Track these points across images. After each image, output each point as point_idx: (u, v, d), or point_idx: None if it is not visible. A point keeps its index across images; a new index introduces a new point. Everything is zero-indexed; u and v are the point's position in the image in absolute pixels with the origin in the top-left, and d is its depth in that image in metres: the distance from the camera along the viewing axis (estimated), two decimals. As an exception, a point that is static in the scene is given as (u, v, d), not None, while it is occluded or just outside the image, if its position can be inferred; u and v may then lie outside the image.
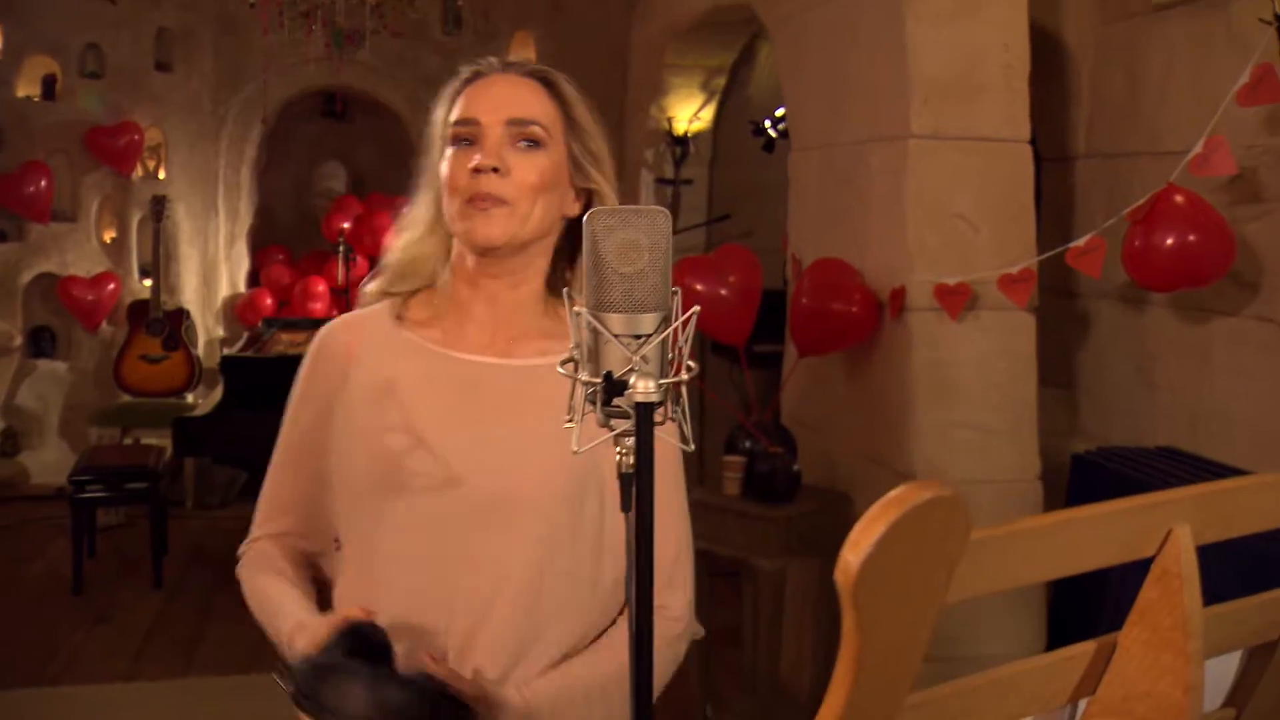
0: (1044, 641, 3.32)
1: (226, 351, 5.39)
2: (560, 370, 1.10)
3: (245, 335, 5.91)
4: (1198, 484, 0.74)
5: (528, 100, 1.42)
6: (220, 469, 5.97)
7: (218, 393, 4.90)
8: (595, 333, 1.07)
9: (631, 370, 1.04)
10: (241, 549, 1.54)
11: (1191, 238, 3.00)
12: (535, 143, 1.40)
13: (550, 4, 6.65)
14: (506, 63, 1.45)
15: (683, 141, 6.05)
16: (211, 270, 6.84)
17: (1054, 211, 4.03)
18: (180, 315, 6.22)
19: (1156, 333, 3.59)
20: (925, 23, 3.22)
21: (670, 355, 1.09)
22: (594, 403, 1.07)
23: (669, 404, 1.07)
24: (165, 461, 5.19)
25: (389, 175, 7.49)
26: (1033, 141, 3.37)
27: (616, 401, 1.04)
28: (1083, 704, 0.78)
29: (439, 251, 1.47)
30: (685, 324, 1.09)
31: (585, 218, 1.07)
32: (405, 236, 1.49)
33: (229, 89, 6.61)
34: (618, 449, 1.07)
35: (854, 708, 0.59)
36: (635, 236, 1.05)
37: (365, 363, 1.45)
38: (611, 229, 1.05)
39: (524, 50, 6.70)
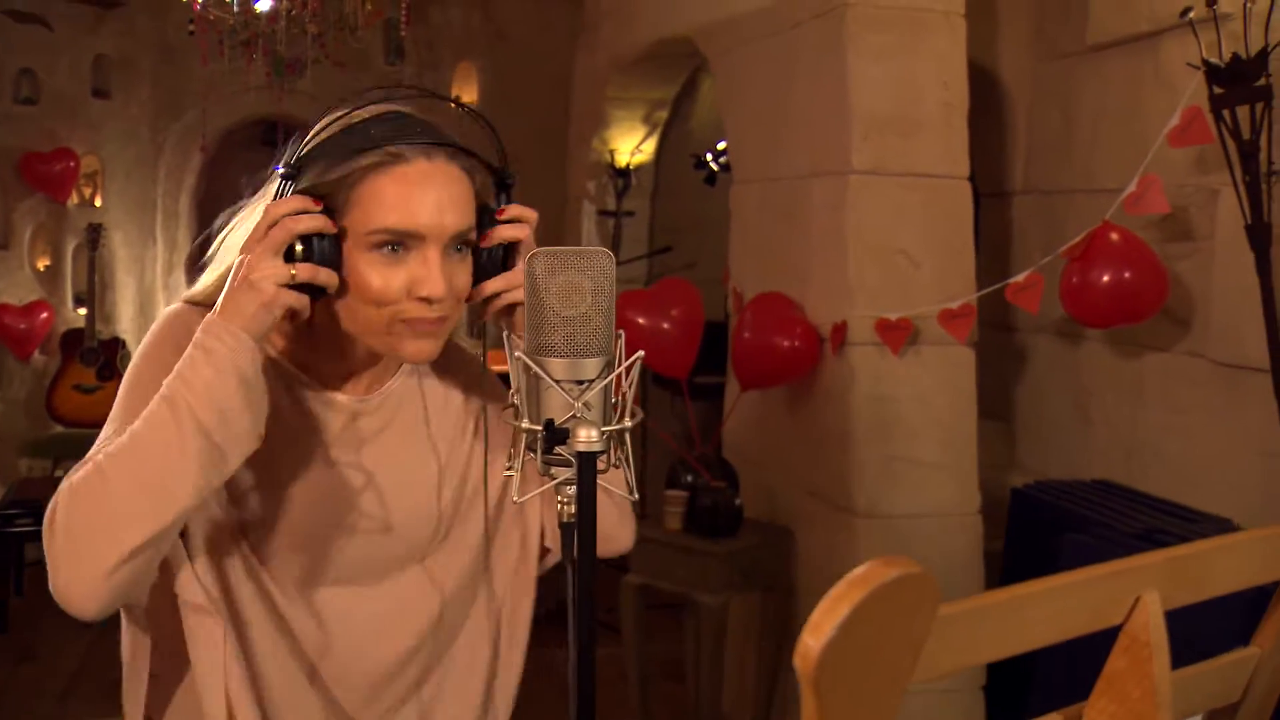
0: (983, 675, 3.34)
1: (162, 382, 5.29)
2: (503, 418, 1.09)
3: (182, 365, 5.81)
4: (1165, 549, 0.72)
5: (464, 199, 1.26)
6: (154, 502, 5.84)
7: (152, 424, 4.80)
8: (535, 378, 1.05)
9: (573, 417, 1.02)
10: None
11: (1127, 274, 3.05)
12: (467, 245, 1.28)
13: (493, 35, 6.65)
14: (429, 140, 1.24)
15: (624, 174, 6.06)
16: (149, 299, 6.73)
17: (991, 247, 4.08)
18: (116, 345, 6.11)
19: (1091, 367, 3.64)
20: (866, 59, 3.25)
21: (614, 400, 1.07)
22: (534, 450, 1.05)
23: (613, 451, 1.06)
24: (97, 494, 5.08)
25: (330, 204, 7.42)
26: (971, 178, 3.41)
27: (558, 449, 1.02)
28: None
29: None
30: (630, 368, 1.07)
31: (527, 258, 1.04)
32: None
33: (168, 117, 6.52)
34: (559, 498, 1.06)
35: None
36: (578, 279, 1.03)
37: None
38: (554, 271, 1.03)
39: (466, 81, 6.68)
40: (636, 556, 3.44)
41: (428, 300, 1.22)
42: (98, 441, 1.21)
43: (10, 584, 4.77)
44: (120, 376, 5.54)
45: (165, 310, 1.32)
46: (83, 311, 6.21)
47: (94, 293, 6.11)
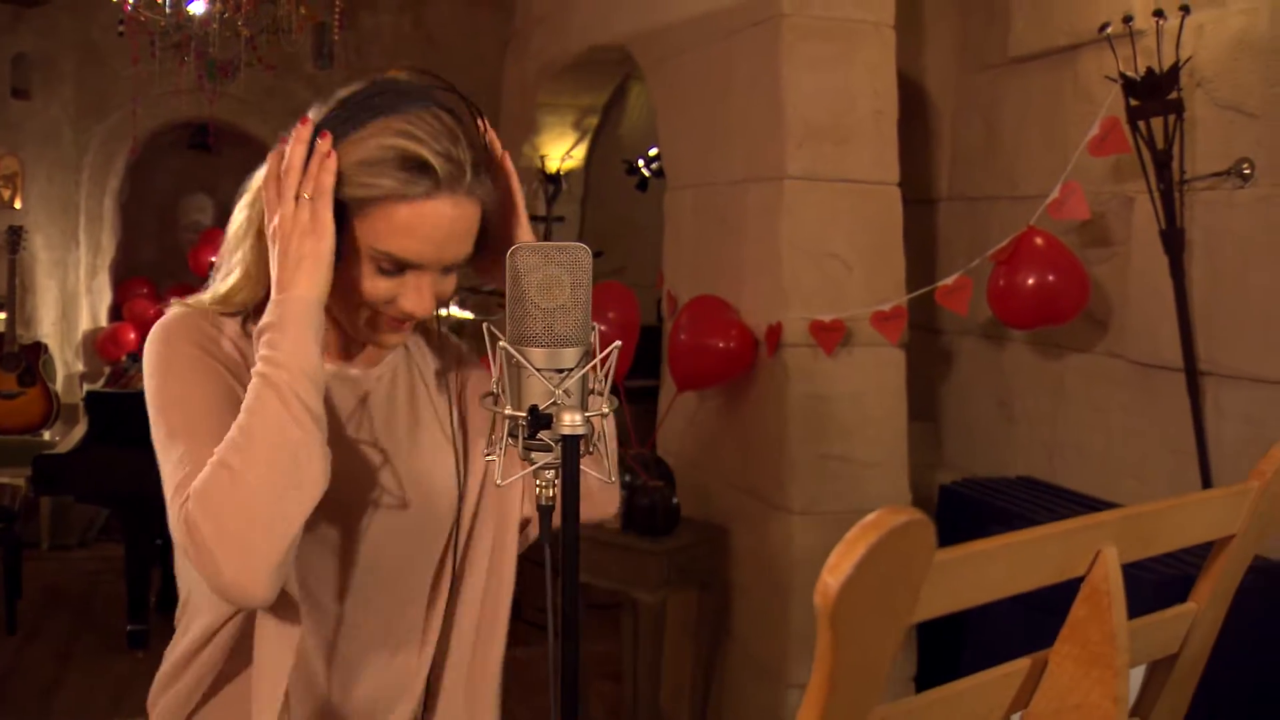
0: (913, 665, 3.44)
1: (90, 387, 5.22)
2: (483, 404, 1.13)
3: (108, 370, 5.74)
4: (1122, 507, 0.80)
5: (471, 230, 1.27)
6: (79, 508, 5.76)
7: (79, 429, 4.75)
8: (516, 366, 1.10)
9: (554, 404, 1.07)
10: (179, 505, 1.16)
11: (1051, 278, 3.18)
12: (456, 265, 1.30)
13: (423, 40, 6.66)
14: (462, 165, 1.24)
15: (555, 179, 6.10)
16: (71, 303, 6.63)
17: (917, 251, 4.19)
18: (38, 349, 6.00)
19: (1015, 368, 3.77)
20: (800, 68, 3.33)
21: (590, 389, 1.13)
22: (515, 436, 1.10)
23: (591, 437, 1.11)
24: (21, 500, 5.00)
25: (256, 208, 7.37)
26: (899, 184, 3.52)
27: (540, 435, 1.07)
28: (1016, 718, 0.83)
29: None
30: (606, 359, 1.13)
31: (509, 253, 1.09)
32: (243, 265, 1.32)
33: (91, 118, 6.44)
34: (538, 481, 1.11)
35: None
36: (558, 272, 1.08)
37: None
38: (534, 264, 1.08)
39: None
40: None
41: (410, 315, 1.28)
42: (174, 456, 1.20)
43: (-69, 593, 4.68)
44: (42, 382, 5.38)
45: (165, 317, 1.30)
46: (2, 315, 6.10)
47: (14, 297, 6.01)
